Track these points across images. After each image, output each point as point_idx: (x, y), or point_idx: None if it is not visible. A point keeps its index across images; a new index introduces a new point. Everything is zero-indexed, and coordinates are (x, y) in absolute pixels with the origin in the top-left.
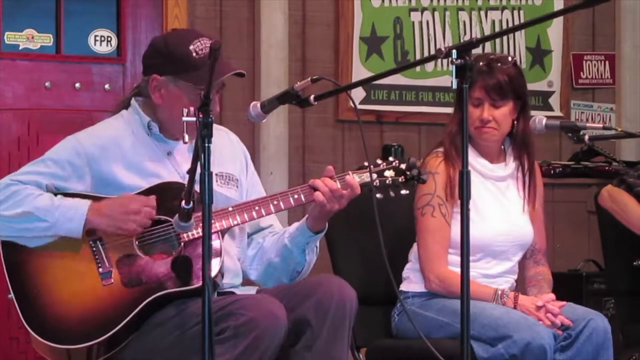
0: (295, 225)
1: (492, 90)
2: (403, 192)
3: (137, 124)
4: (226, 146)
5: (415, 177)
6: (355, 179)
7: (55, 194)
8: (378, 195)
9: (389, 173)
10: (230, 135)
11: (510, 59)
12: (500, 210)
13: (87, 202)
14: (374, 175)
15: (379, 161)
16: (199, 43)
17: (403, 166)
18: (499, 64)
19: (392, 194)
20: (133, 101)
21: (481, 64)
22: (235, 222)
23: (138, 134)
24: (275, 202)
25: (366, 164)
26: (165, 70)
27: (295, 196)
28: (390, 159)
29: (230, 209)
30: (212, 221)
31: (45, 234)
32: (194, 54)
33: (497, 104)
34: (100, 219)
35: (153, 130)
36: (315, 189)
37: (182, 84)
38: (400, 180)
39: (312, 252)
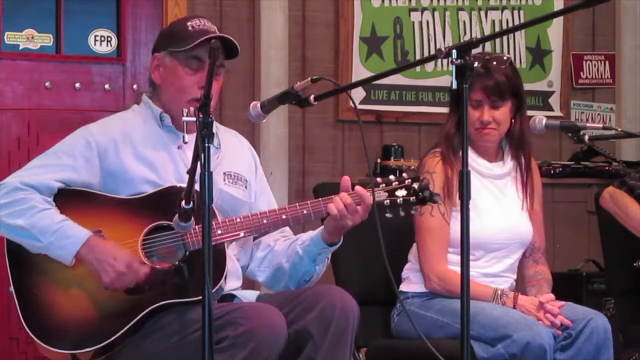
0: (310, 234)
1: (491, 91)
2: (413, 212)
3: (148, 116)
4: (235, 147)
5: (427, 198)
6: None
7: (62, 193)
8: (388, 215)
9: (400, 192)
10: (240, 138)
11: (505, 58)
12: (499, 208)
13: (85, 236)
14: (385, 194)
15: (391, 177)
16: (197, 20)
17: (415, 186)
18: (496, 64)
19: (402, 213)
20: (144, 96)
21: (477, 64)
22: (242, 234)
23: (149, 125)
24: (284, 217)
25: (379, 179)
26: (163, 46)
27: (305, 210)
28: (404, 175)
29: (238, 219)
30: (220, 232)
31: (37, 252)
32: (190, 28)
33: (497, 104)
34: (89, 256)
35: (165, 122)
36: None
37: (176, 54)
38: (411, 200)
39: (322, 263)
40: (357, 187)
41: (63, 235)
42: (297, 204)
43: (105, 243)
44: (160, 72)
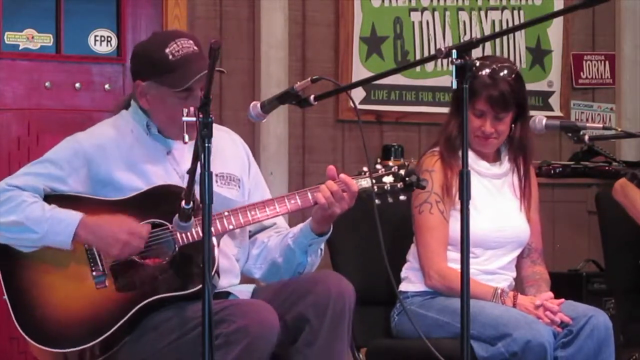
0: (300, 226)
1: (495, 103)
2: (402, 197)
3: (136, 123)
4: (228, 146)
5: (414, 183)
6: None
7: (50, 197)
8: (377, 202)
9: (387, 179)
10: (232, 135)
11: (512, 68)
12: (496, 207)
13: (78, 217)
14: (372, 181)
15: (378, 166)
16: (175, 45)
17: (402, 172)
18: (502, 74)
19: (390, 200)
20: (132, 102)
21: (484, 72)
22: (231, 227)
23: (137, 133)
24: (272, 208)
25: (365, 169)
26: (146, 76)
27: (293, 201)
28: (391, 164)
29: (226, 213)
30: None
31: (35, 244)
32: (170, 57)
33: (500, 116)
34: (88, 235)
35: (152, 130)
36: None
37: (161, 89)
38: (398, 186)
39: (315, 254)
40: (342, 175)
41: (56, 221)
42: (284, 196)
43: (99, 219)
44: (147, 99)
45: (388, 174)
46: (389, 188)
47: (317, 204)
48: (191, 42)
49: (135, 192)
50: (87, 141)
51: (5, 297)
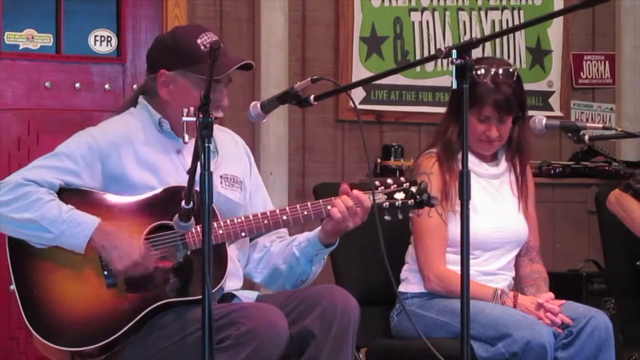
0: (306, 235)
1: (500, 108)
2: (411, 214)
3: (147, 120)
4: (231, 148)
5: (425, 201)
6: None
7: (65, 192)
8: (387, 218)
9: (399, 195)
10: (234, 137)
11: (512, 70)
12: (495, 208)
13: (95, 222)
14: (384, 197)
15: (389, 181)
16: (205, 37)
17: (414, 189)
18: (504, 78)
19: (400, 216)
20: (141, 99)
21: (482, 71)
22: (244, 234)
23: (149, 130)
24: (284, 217)
25: (377, 183)
26: (174, 65)
27: (306, 212)
28: (402, 179)
29: (239, 219)
30: (221, 232)
31: (49, 244)
32: (202, 47)
33: (504, 119)
34: (102, 242)
35: (164, 127)
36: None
37: (191, 77)
38: (410, 203)
39: (319, 264)
40: (355, 191)
41: (74, 223)
42: (297, 205)
43: (118, 230)
44: (169, 89)
45: (400, 190)
46: (400, 205)
47: (329, 217)
48: (217, 37)
49: (147, 191)
50: (100, 136)
51: (14, 287)
